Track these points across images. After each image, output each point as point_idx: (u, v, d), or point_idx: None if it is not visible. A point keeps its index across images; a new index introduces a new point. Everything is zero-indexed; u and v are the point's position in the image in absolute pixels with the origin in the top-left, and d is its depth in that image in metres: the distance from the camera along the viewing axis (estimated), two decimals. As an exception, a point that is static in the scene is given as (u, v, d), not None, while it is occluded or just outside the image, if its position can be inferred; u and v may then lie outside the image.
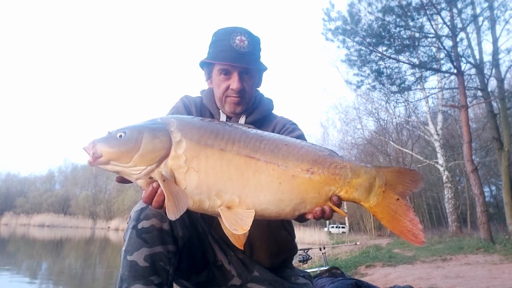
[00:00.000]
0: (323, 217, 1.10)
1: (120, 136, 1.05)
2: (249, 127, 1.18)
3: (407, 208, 1.08)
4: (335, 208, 1.09)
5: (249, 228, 1.03)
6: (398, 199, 1.09)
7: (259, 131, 1.17)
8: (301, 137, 1.57)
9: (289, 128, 1.59)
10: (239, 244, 1.10)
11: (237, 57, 1.48)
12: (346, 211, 1.14)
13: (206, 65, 1.59)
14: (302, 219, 1.12)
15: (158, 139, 1.05)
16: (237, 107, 1.54)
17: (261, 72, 1.62)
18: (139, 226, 1.26)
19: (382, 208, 1.09)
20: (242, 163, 1.06)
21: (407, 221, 1.07)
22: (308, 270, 3.05)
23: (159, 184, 1.04)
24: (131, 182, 1.10)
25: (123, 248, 1.28)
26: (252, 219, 1.04)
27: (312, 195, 1.07)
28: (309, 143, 1.17)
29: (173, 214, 0.99)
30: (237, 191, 1.06)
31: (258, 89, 1.68)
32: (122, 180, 1.10)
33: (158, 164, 1.04)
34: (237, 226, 1.02)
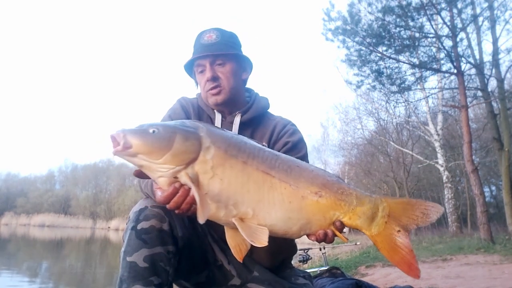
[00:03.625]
0: (324, 240, 1.14)
1: (154, 131, 1.04)
2: (263, 144, 1.22)
3: (407, 241, 1.12)
4: (337, 233, 1.14)
5: (267, 243, 1.05)
6: (399, 230, 1.12)
7: (273, 150, 1.21)
8: (301, 141, 1.59)
9: (290, 130, 1.59)
10: (239, 256, 1.12)
11: (204, 49, 1.51)
12: (347, 237, 1.20)
13: (189, 72, 1.63)
14: (305, 239, 1.16)
15: (189, 142, 1.06)
16: (217, 97, 1.53)
17: (239, 61, 1.59)
18: (139, 227, 1.26)
19: (383, 238, 1.13)
20: (260, 178, 1.09)
21: (405, 254, 1.11)
22: (308, 270, 3.05)
23: (181, 185, 1.05)
24: (149, 178, 1.10)
25: (122, 249, 1.28)
26: (268, 236, 1.07)
27: (318, 217, 1.11)
28: (319, 168, 1.21)
29: (204, 217, 1.00)
30: (252, 204, 1.08)
31: (252, 88, 1.68)
32: (140, 174, 1.09)
33: (186, 166, 1.04)
34: (255, 239, 1.05)
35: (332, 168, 28.88)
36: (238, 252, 1.12)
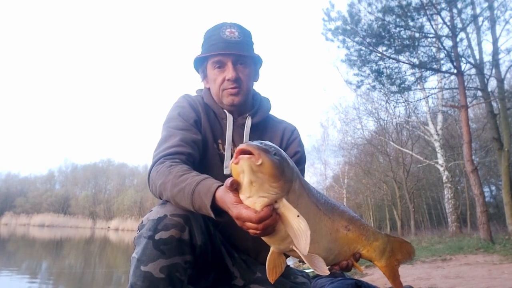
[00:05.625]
0: (345, 270, 1.26)
1: (275, 154, 1.02)
2: None
3: (398, 274, 1.36)
4: (355, 263, 1.27)
5: (329, 273, 1.11)
6: (396, 265, 1.35)
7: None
8: (304, 150, 1.66)
9: (297, 139, 1.65)
10: (272, 278, 1.15)
11: (228, 46, 1.47)
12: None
13: (200, 64, 1.57)
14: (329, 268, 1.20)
15: (290, 171, 1.05)
16: (235, 98, 1.51)
17: (256, 63, 1.59)
18: (157, 237, 1.20)
19: (390, 269, 1.33)
20: (314, 210, 1.14)
21: (399, 281, 1.36)
22: (308, 270, 3.04)
23: (274, 210, 1.02)
24: (237, 193, 1.05)
25: (136, 257, 1.22)
26: (325, 264, 1.12)
27: (345, 249, 1.23)
28: (340, 203, 1.30)
29: (306, 248, 1.00)
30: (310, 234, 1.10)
31: (254, 89, 1.66)
32: (233, 187, 1.03)
33: (286, 194, 1.04)
34: (318, 269, 1.09)
35: (332, 168, 28.92)
36: (273, 274, 1.15)
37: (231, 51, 1.46)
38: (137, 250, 1.23)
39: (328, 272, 1.10)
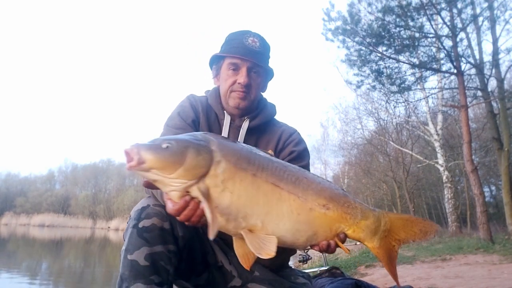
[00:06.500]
0: (327, 251, 1.18)
1: (167, 146, 1.04)
2: (271, 154, 1.22)
3: (396, 255, 1.24)
4: (340, 244, 1.18)
5: (274, 254, 1.06)
6: (394, 245, 1.22)
7: (281, 160, 1.21)
8: (305, 150, 1.63)
9: (296, 140, 1.63)
10: (246, 265, 1.12)
11: (248, 53, 1.52)
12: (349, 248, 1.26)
13: (216, 61, 1.62)
14: (308, 249, 1.19)
15: (201, 156, 1.06)
16: (241, 102, 1.55)
17: (268, 75, 1.65)
18: (140, 225, 1.27)
19: (384, 251, 1.22)
20: (269, 190, 1.10)
21: (393, 266, 1.24)
22: (308, 270, 3.06)
23: (192, 199, 1.05)
24: (158, 189, 1.10)
25: (123, 248, 1.28)
26: (276, 245, 1.08)
27: (324, 229, 1.15)
28: (325, 179, 1.23)
29: (214, 232, 1.00)
30: (261, 217, 1.08)
31: (262, 94, 1.70)
32: (150, 186, 1.10)
33: (198, 180, 1.05)
34: (261, 251, 1.06)
35: (332, 168, 28.93)
36: (245, 261, 1.13)
37: (249, 58, 1.53)
38: (125, 242, 1.29)
39: (273, 254, 1.05)
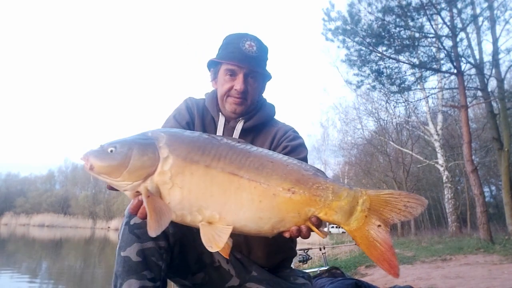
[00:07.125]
0: (299, 236, 1.11)
1: (111, 151, 1.08)
2: (238, 142, 1.17)
3: (387, 237, 1.06)
4: (314, 228, 1.09)
5: (223, 246, 1.03)
6: (379, 225, 1.06)
7: (248, 147, 1.16)
8: (301, 145, 1.59)
9: (290, 136, 1.60)
10: (224, 253, 1.08)
11: (244, 59, 1.52)
12: (329, 230, 1.12)
13: (214, 65, 1.62)
14: (279, 236, 1.12)
15: (146, 156, 1.07)
16: (237, 107, 1.56)
17: (265, 79, 1.65)
18: (132, 222, 1.29)
19: (362, 233, 1.07)
20: (225, 180, 1.07)
21: (384, 250, 1.05)
22: (308, 270, 3.06)
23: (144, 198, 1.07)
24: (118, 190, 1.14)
25: (118, 246, 1.31)
26: (228, 236, 1.05)
27: (292, 214, 1.07)
28: (297, 161, 1.15)
29: (153, 230, 1.00)
30: (217, 208, 1.07)
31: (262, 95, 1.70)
32: (112, 188, 1.13)
33: (145, 180, 1.06)
34: (212, 243, 1.04)
35: (332, 168, 28.98)
36: (222, 250, 1.07)
37: (246, 65, 1.52)
38: (119, 240, 1.32)
39: (220, 247, 1.02)
